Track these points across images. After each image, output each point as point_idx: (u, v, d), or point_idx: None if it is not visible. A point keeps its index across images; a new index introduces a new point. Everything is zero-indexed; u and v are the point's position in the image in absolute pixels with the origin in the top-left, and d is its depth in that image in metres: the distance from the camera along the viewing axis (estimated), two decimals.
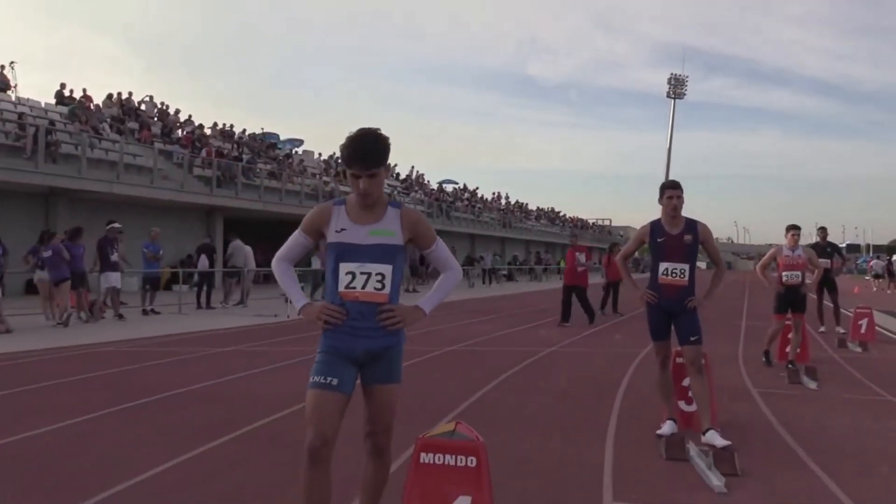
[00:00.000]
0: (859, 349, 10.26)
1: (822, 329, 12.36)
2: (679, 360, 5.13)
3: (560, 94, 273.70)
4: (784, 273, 8.14)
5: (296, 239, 2.95)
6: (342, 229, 2.81)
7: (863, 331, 10.87)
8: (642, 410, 5.83)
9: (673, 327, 4.91)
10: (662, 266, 4.85)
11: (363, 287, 2.76)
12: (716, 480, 3.98)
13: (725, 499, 3.78)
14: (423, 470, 2.61)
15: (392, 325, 2.80)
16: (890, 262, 35.04)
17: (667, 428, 4.87)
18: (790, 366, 7.65)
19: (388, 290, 2.79)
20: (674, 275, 4.82)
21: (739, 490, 3.90)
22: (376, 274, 2.77)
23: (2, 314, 10.72)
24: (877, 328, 11.84)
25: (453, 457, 2.61)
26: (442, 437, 2.65)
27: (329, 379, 2.74)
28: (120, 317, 12.82)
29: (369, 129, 2.78)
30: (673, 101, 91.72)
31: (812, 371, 7.53)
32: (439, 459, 2.61)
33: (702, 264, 11.47)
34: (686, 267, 4.82)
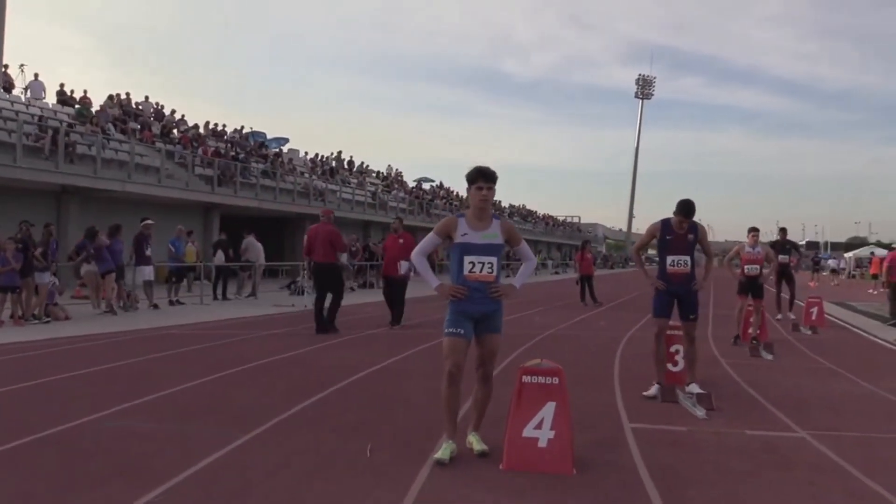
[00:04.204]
0: (810, 332, 12.02)
1: (778, 316, 14.14)
2: (670, 332, 6.68)
3: (533, 90, 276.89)
4: (746, 266, 10.04)
5: (431, 239, 4.42)
6: (465, 234, 4.30)
7: (813, 317, 12.68)
8: (636, 373, 7.40)
9: (676, 306, 6.37)
10: (670, 258, 6.30)
11: (480, 271, 4.27)
12: (699, 412, 5.57)
13: (707, 422, 5.36)
14: (525, 387, 4.12)
15: (497, 296, 4.32)
16: (815, 257, 39.53)
17: (653, 391, 6.27)
18: (753, 342, 9.33)
19: (494, 273, 4.31)
20: (679, 265, 6.30)
21: (717, 418, 5.49)
22: (487, 263, 4.28)
23: (61, 303, 11.96)
24: (826, 316, 13.65)
25: (544, 377, 4.12)
26: (535, 366, 4.17)
27: (459, 329, 4.25)
28: (155, 306, 14.10)
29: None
30: (641, 101, 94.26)
31: (770, 346, 9.23)
32: (534, 379, 4.13)
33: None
34: (688, 258, 6.32)
